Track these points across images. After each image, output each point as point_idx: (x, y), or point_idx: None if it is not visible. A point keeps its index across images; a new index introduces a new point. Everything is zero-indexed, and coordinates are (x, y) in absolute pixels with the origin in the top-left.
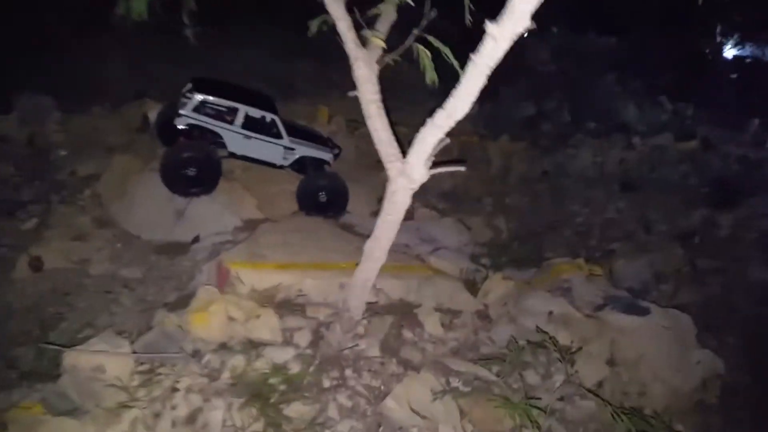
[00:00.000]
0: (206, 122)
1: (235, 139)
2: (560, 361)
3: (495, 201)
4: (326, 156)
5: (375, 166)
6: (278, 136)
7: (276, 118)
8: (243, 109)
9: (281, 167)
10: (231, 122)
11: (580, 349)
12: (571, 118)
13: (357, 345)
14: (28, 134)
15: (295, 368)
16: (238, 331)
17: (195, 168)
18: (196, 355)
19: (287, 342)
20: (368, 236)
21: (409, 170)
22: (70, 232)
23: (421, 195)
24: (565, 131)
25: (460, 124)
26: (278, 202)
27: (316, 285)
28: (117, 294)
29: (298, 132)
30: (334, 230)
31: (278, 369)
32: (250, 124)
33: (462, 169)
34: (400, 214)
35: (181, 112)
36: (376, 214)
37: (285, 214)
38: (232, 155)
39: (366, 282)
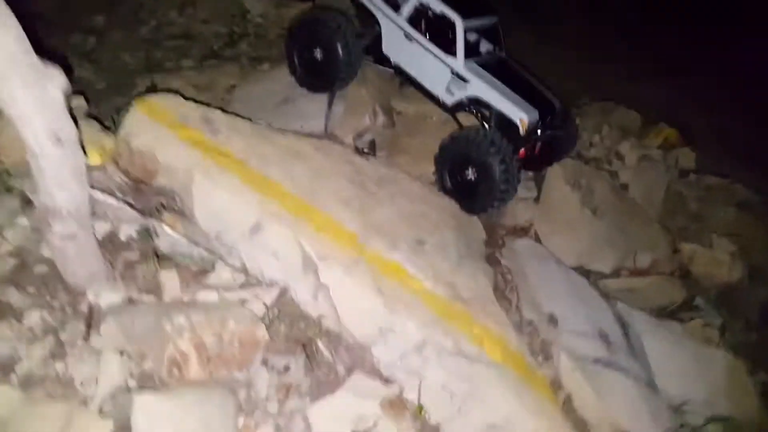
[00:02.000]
0: (373, 2)
1: (394, 37)
2: None
3: None
4: (515, 113)
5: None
6: (450, 51)
7: (458, 22)
8: None
9: (445, 108)
10: (396, 7)
11: None
12: None
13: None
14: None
15: None
16: None
17: (322, 51)
18: None
19: None
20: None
21: None
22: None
23: None
24: None
25: None
26: (420, 155)
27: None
28: None
29: (503, 73)
30: (460, 228)
31: None
32: (421, 19)
33: None
34: None
35: None
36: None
37: (418, 174)
38: (382, 62)
39: None
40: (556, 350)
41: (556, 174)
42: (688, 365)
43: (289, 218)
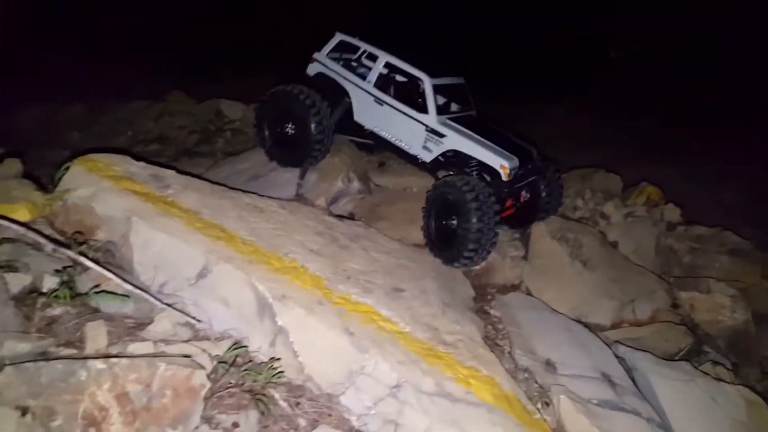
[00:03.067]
0: (337, 72)
1: (364, 103)
2: None
3: None
4: (495, 160)
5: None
6: (422, 109)
7: (425, 80)
8: (384, 59)
9: (425, 167)
10: (364, 77)
11: None
12: None
13: None
14: None
15: None
16: None
17: (295, 126)
18: None
19: None
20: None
21: None
22: None
23: None
24: None
25: None
26: (401, 220)
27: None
28: None
29: (477, 127)
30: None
31: None
32: (388, 83)
33: None
34: None
35: (315, 55)
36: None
37: (398, 237)
38: (356, 131)
39: None
40: (556, 395)
41: (541, 231)
42: (704, 403)
43: (241, 260)
